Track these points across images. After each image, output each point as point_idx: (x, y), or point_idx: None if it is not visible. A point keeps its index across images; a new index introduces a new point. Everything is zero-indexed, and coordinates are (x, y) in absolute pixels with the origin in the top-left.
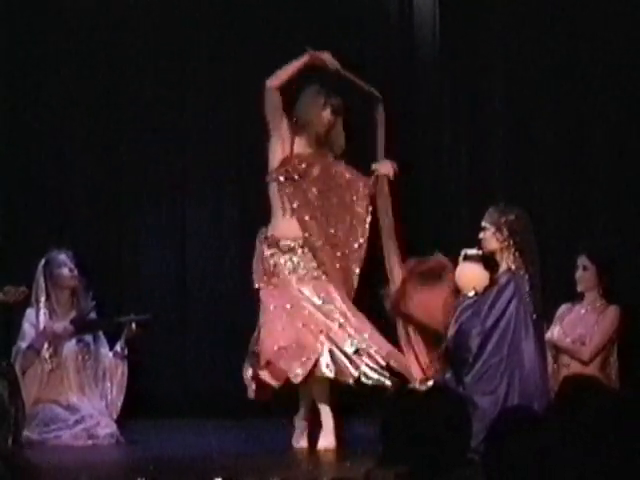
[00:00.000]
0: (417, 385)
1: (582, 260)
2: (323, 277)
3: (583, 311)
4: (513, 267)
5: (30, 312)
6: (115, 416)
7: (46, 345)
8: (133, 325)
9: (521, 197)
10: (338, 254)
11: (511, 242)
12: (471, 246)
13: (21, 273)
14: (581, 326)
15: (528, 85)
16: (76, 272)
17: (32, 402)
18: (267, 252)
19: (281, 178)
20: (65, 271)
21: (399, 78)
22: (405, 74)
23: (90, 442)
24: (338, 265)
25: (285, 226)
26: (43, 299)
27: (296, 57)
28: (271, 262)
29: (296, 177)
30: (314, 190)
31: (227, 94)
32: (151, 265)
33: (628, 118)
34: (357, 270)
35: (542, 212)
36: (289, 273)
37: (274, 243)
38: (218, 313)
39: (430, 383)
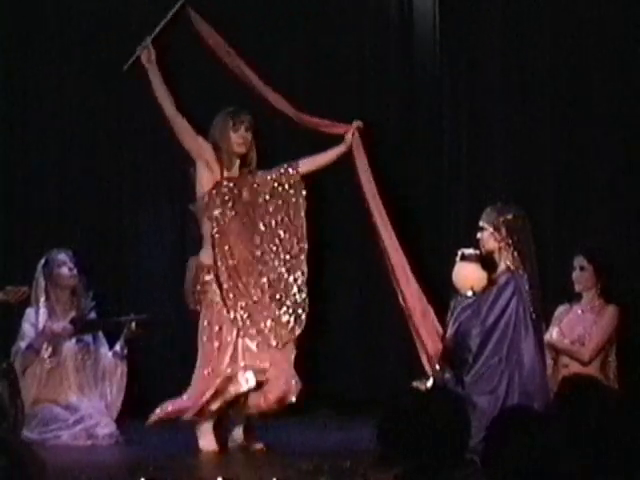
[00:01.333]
0: (417, 384)
1: (579, 260)
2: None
3: (581, 311)
4: (512, 267)
5: (30, 312)
6: (114, 416)
7: (45, 345)
8: (133, 325)
9: (520, 197)
10: (264, 279)
11: (509, 242)
12: (470, 246)
13: (21, 273)
14: (580, 327)
15: (527, 85)
16: (75, 272)
17: (31, 402)
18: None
19: (212, 203)
20: (65, 270)
21: (399, 79)
22: (405, 75)
23: (89, 442)
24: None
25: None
26: (43, 299)
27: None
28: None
29: (228, 201)
30: (243, 214)
31: (227, 94)
32: (151, 265)
33: (626, 119)
34: (298, 275)
35: (541, 212)
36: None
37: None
38: None
39: (430, 383)
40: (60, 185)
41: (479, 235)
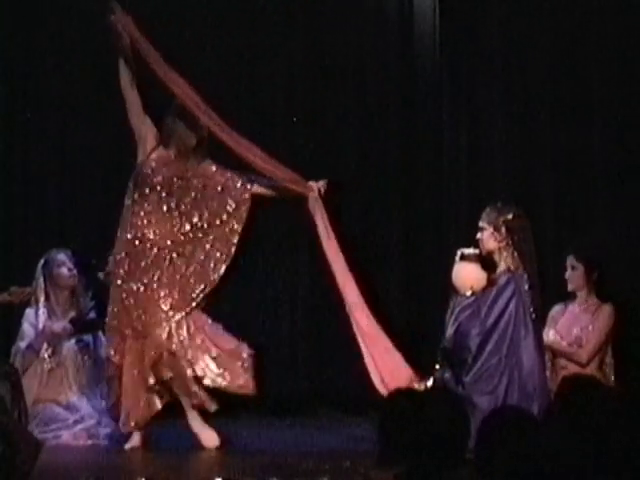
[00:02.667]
0: (416, 385)
1: (570, 260)
2: None
3: (577, 311)
4: (512, 267)
5: (29, 312)
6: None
7: (45, 345)
8: None
9: (520, 197)
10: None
11: (509, 242)
12: (470, 246)
13: (21, 273)
14: (576, 327)
15: (527, 85)
16: (75, 272)
17: (32, 402)
18: None
19: (130, 184)
20: (64, 271)
21: (399, 79)
22: (405, 75)
23: (90, 442)
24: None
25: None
26: (42, 299)
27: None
28: None
29: (146, 190)
30: (162, 202)
31: (228, 93)
32: None
33: (626, 119)
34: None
35: (541, 212)
36: None
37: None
38: (216, 312)
39: (429, 383)
40: (60, 185)
41: (479, 235)
